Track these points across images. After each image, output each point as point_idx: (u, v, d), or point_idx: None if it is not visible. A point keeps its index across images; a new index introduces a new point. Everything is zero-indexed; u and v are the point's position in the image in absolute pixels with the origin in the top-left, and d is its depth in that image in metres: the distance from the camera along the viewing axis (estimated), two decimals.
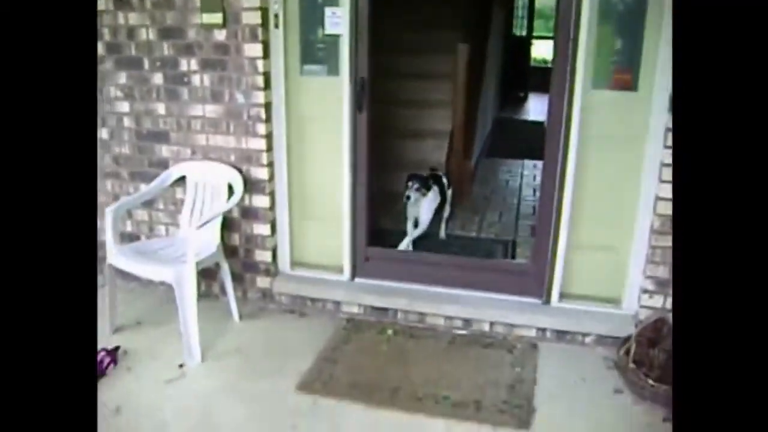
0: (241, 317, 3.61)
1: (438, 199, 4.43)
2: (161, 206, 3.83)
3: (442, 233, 4.60)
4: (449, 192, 4.62)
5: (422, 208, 4.36)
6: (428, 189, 4.33)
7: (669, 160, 3.01)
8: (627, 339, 3.08)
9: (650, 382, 2.83)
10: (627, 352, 2.99)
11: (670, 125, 2.98)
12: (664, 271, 3.17)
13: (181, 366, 3.15)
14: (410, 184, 4.29)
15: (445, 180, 4.59)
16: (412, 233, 4.36)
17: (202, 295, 3.43)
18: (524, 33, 11.67)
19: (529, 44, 11.68)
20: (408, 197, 4.26)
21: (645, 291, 3.23)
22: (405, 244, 4.29)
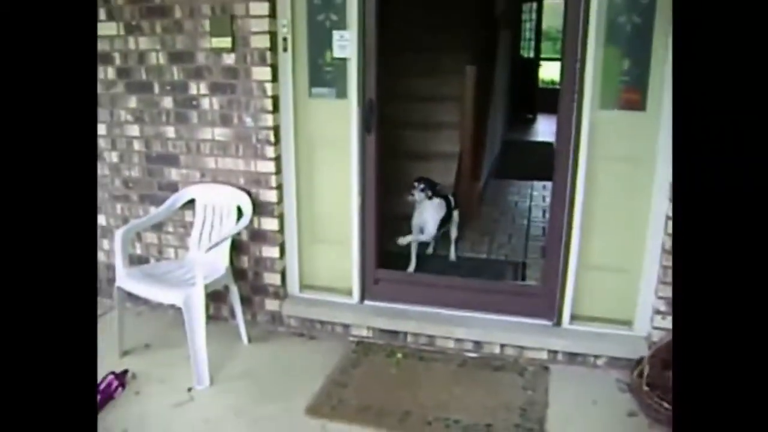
0: (250, 340, 3.60)
1: (443, 212, 4.37)
2: (170, 229, 3.84)
3: (452, 255, 4.57)
4: (455, 213, 4.57)
5: (427, 214, 4.30)
6: (434, 194, 4.28)
7: None
8: (640, 361, 3.04)
9: (665, 405, 2.79)
10: (640, 375, 2.95)
11: None
12: None
13: (189, 390, 3.13)
14: (416, 183, 4.27)
15: (452, 199, 4.55)
16: (417, 236, 4.32)
17: (211, 318, 3.43)
18: (532, 54, 11.71)
19: (537, 66, 11.72)
20: (411, 195, 4.23)
21: (657, 312, 3.20)
22: (406, 240, 4.26)
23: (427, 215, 4.32)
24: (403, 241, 4.24)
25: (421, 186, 4.27)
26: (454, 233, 4.61)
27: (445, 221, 4.43)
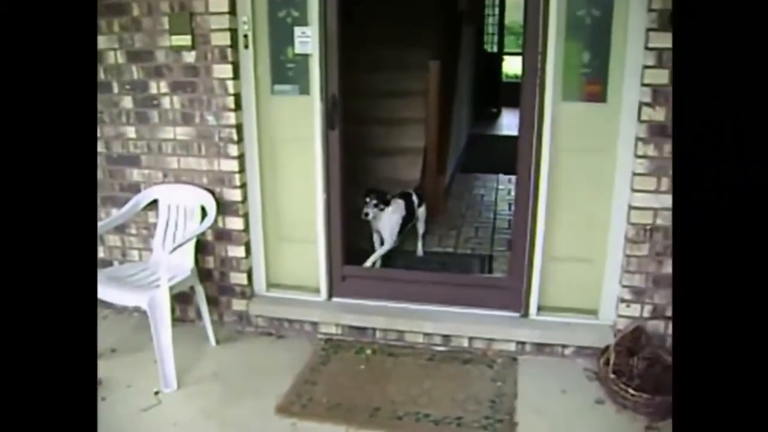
0: (217, 341, 3.56)
1: (402, 213, 4.34)
2: (133, 231, 3.78)
3: (420, 250, 4.59)
4: (421, 209, 4.57)
5: (383, 223, 4.27)
6: (386, 204, 4.23)
7: (640, 169, 3.05)
8: (606, 349, 3.08)
9: (631, 391, 2.84)
10: (607, 362, 2.99)
11: (640, 134, 3.02)
12: (641, 280, 3.19)
13: (157, 393, 3.09)
14: (368, 199, 4.19)
15: (415, 198, 4.53)
16: (378, 250, 4.28)
17: (177, 320, 3.38)
18: (495, 49, 11.78)
19: (501, 60, 11.79)
20: (366, 214, 4.16)
21: (622, 300, 3.24)
22: (370, 261, 4.20)
23: (383, 223, 4.27)
24: (367, 264, 4.17)
25: (374, 201, 4.18)
26: (421, 228, 4.61)
27: (407, 220, 4.41)
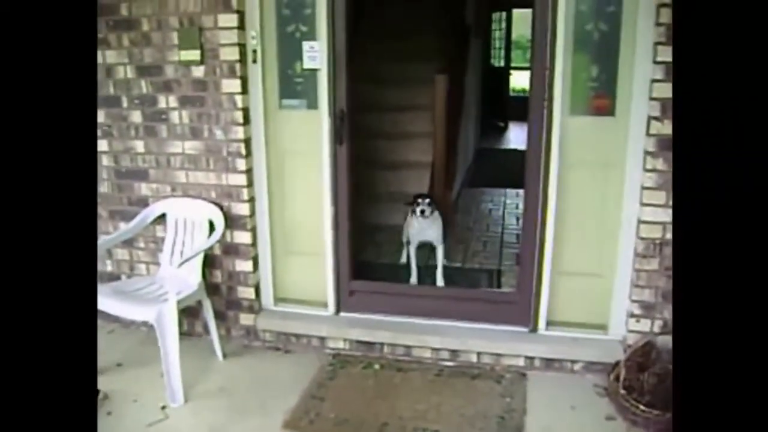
0: (224, 356, 3.55)
1: (441, 218, 4.25)
2: (141, 245, 3.78)
3: (404, 259, 4.44)
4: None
5: (432, 230, 4.16)
6: (433, 209, 4.14)
7: (649, 183, 3.03)
8: (616, 364, 3.05)
9: (641, 407, 2.81)
10: (617, 378, 2.96)
11: (649, 148, 3.01)
12: (650, 295, 3.17)
13: (163, 408, 3.08)
14: (420, 200, 4.09)
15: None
16: (439, 260, 4.17)
17: (184, 335, 3.38)
18: (502, 63, 11.81)
19: (508, 74, 11.82)
20: (423, 211, 4.04)
21: (632, 315, 3.22)
22: (440, 275, 4.14)
23: (431, 231, 4.17)
24: (439, 279, 4.12)
25: (427, 200, 4.10)
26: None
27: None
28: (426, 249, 4.41)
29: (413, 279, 4.16)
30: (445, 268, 4.22)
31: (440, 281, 4.18)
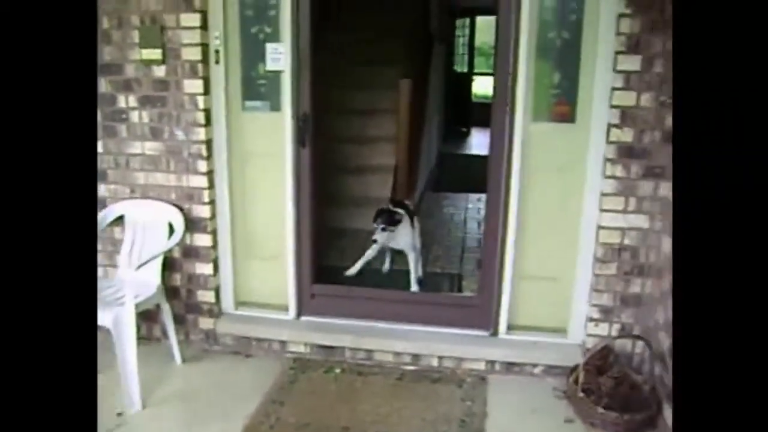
0: (183, 360, 3.49)
1: (410, 222, 4.22)
2: (99, 247, 3.69)
3: (415, 277, 4.33)
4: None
5: (400, 239, 4.15)
6: (395, 224, 4.10)
7: (608, 189, 3.09)
8: (575, 368, 3.09)
9: (599, 409, 2.85)
10: (576, 381, 3.00)
11: (609, 155, 3.07)
12: (609, 299, 3.22)
13: (119, 414, 3.01)
14: (375, 224, 4.05)
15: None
16: (411, 267, 4.15)
17: (142, 339, 3.30)
18: (465, 69, 11.92)
19: (471, 80, 11.93)
20: (374, 241, 4.03)
21: (591, 319, 3.27)
22: (414, 281, 4.13)
23: (400, 240, 4.16)
24: (413, 286, 4.11)
25: (381, 226, 4.05)
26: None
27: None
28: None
29: (352, 271, 4.13)
30: (407, 272, 4.22)
31: (414, 287, 4.18)
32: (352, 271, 4.20)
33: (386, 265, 4.51)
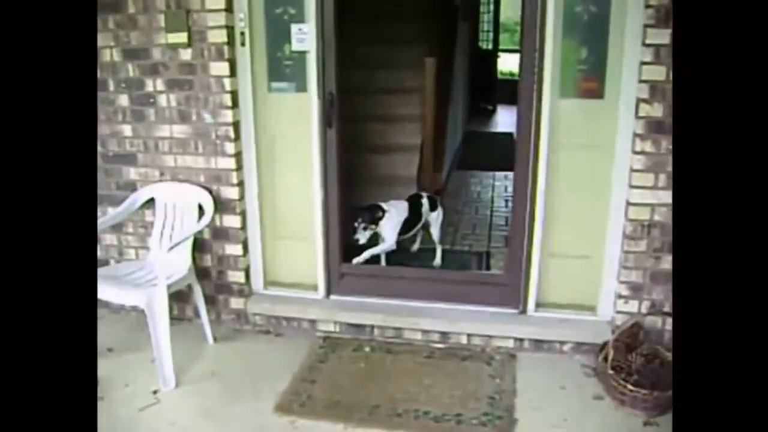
0: (215, 340, 3.55)
1: (404, 216, 4.18)
2: (130, 229, 3.76)
3: (438, 259, 4.37)
4: (434, 214, 4.38)
5: (381, 229, 4.12)
6: (375, 223, 4.05)
7: (638, 165, 3.05)
8: (604, 345, 3.08)
9: (629, 387, 2.84)
10: (605, 359, 2.99)
11: (638, 131, 3.02)
12: (638, 276, 3.20)
13: (155, 392, 3.08)
14: (356, 224, 4.02)
15: (426, 201, 4.36)
16: (375, 248, 4.10)
17: (174, 319, 3.37)
18: (490, 46, 11.78)
19: (496, 57, 11.79)
20: (356, 240, 4.00)
21: (620, 296, 3.25)
22: (363, 258, 4.00)
23: (382, 230, 4.12)
24: (360, 259, 3.98)
25: (362, 225, 4.03)
26: (435, 234, 4.39)
27: (412, 221, 4.26)
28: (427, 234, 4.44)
29: (359, 259, 4.01)
30: (434, 251, 4.23)
31: (438, 261, 4.30)
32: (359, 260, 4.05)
33: (415, 245, 4.52)
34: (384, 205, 4.13)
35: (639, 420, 2.83)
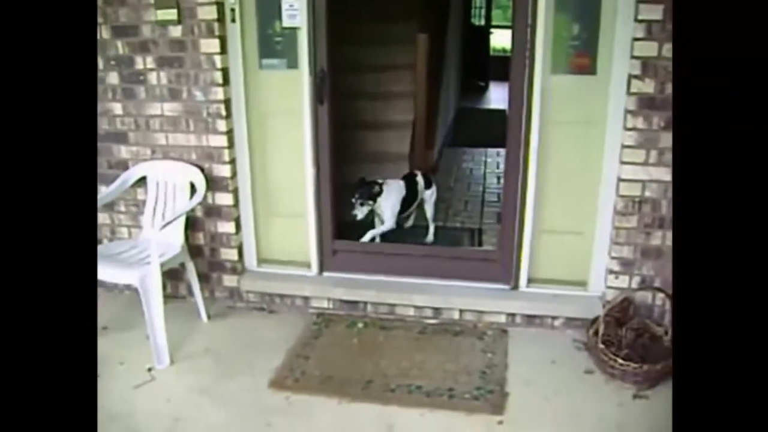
0: (209, 317, 3.57)
1: (401, 195, 4.22)
2: (122, 208, 3.75)
3: (430, 236, 4.43)
4: (429, 192, 4.41)
5: (380, 208, 4.16)
6: (373, 198, 4.10)
7: (629, 141, 3.06)
8: (595, 320, 3.11)
9: (619, 361, 2.87)
10: (596, 333, 3.02)
11: (629, 107, 3.02)
12: (629, 252, 3.22)
13: (149, 370, 3.10)
14: (353, 200, 4.06)
15: (421, 179, 4.39)
16: (377, 229, 4.17)
17: (168, 297, 3.38)
18: (483, 23, 11.72)
19: (488, 34, 11.74)
20: (355, 216, 4.05)
21: (611, 272, 3.28)
22: (368, 237, 4.11)
23: (379, 208, 4.16)
24: (366, 238, 4.07)
25: (359, 201, 4.07)
26: (429, 211, 4.42)
27: (409, 200, 4.30)
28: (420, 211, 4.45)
29: (365, 238, 4.10)
30: (426, 227, 4.24)
31: (430, 237, 4.34)
32: (365, 238, 4.13)
33: (409, 222, 4.54)
34: (380, 181, 4.15)
35: (629, 393, 2.87)
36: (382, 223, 4.22)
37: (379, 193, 4.12)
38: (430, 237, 4.41)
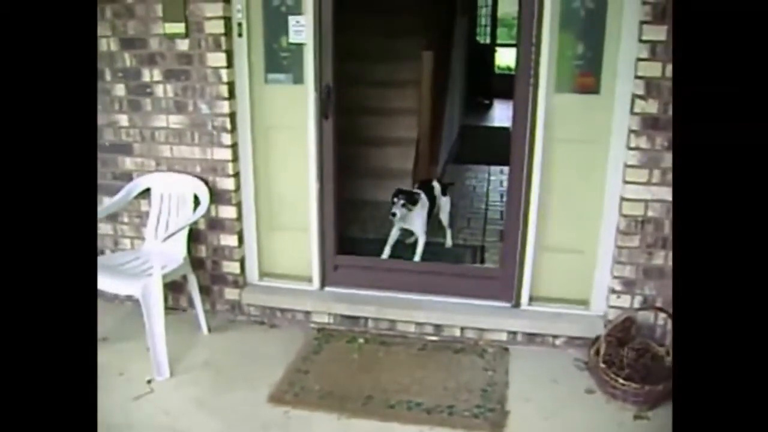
0: (209, 330, 3.56)
1: (427, 207, 4.28)
2: (126, 219, 3.76)
3: (449, 241, 4.53)
4: (444, 199, 4.50)
5: (413, 221, 4.20)
6: (414, 203, 4.16)
7: (632, 161, 3.07)
8: (596, 339, 3.10)
9: (620, 381, 2.86)
10: (597, 353, 3.01)
11: (633, 126, 3.04)
12: (631, 271, 3.22)
13: (149, 382, 3.09)
14: (395, 200, 4.11)
15: (437, 185, 4.50)
16: (419, 246, 4.18)
17: (169, 309, 3.37)
18: (488, 41, 11.78)
19: (493, 52, 11.79)
20: (393, 214, 4.09)
21: (613, 291, 3.27)
22: (387, 253, 4.16)
23: (412, 221, 4.19)
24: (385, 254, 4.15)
25: (401, 202, 4.10)
26: (445, 219, 4.52)
27: (431, 210, 4.35)
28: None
29: (384, 255, 4.17)
30: (429, 244, 4.24)
31: (449, 242, 4.45)
32: (384, 256, 4.17)
33: (411, 238, 4.53)
34: (418, 192, 4.28)
35: (629, 413, 2.85)
36: (398, 237, 4.26)
37: (417, 201, 4.19)
38: (449, 242, 4.52)
